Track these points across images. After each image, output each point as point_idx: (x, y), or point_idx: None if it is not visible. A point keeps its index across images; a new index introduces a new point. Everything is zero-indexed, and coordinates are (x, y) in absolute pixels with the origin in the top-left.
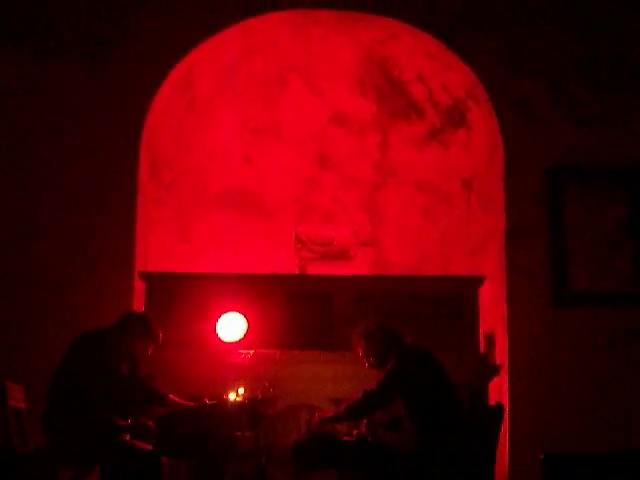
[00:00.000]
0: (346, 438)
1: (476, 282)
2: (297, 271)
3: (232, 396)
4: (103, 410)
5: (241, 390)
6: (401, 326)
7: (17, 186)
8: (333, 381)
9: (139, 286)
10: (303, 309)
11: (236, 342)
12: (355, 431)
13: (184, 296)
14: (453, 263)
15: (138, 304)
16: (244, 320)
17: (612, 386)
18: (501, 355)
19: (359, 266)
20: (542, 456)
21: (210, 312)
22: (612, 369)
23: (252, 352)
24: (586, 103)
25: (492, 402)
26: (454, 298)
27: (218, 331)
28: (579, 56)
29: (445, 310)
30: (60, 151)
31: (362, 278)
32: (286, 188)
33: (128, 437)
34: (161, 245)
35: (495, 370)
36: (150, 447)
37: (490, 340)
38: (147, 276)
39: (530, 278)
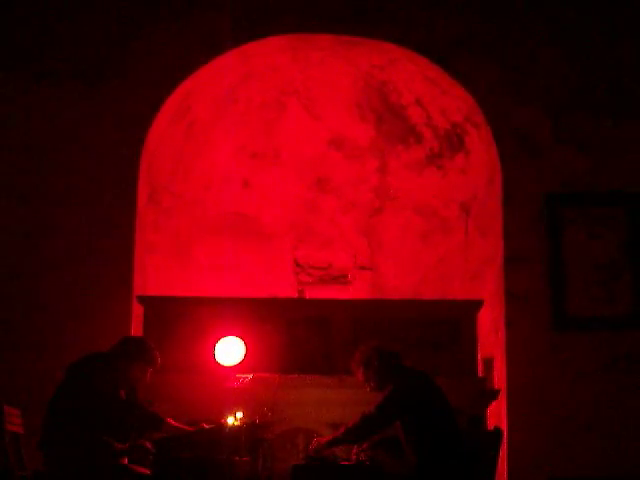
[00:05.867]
0: (344, 462)
1: (474, 306)
2: (295, 295)
3: (230, 420)
4: (101, 435)
5: (239, 414)
6: (399, 349)
7: (15, 209)
8: (331, 405)
9: (137, 310)
10: (301, 333)
11: (234, 366)
12: (354, 455)
13: (182, 320)
14: (451, 287)
15: (136, 328)
16: (242, 344)
17: (611, 411)
18: (499, 379)
19: (357, 290)
20: None
21: (208, 336)
22: (611, 394)
23: (250, 376)
24: (584, 129)
25: (491, 427)
26: (452, 322)
27: (216, 355)
28: (577, 82)
29: (443, 334)
30: (59, 175)
31: (360, 302)
32: (284, 212)
33: (126, 461)
34: (159, 269)
35: (493, 394)
36: (148, 472)
37: (488, 364)
38: (145, 300)
39: (528, 302)
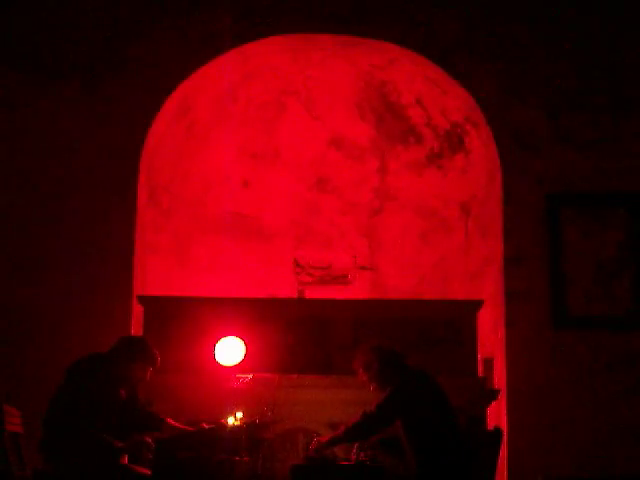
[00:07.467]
0: (344, 462)
1: (474, 306)
2: (295, 295)
3: (230, 420)
4: (101, 435)
5: (239, 414)
6: (400, 348)
7: (15, 211)
8: (331, 405)
9: (137, 310)
10: (301, 333)
11: (234, 366)
12: (354, 455)
13: (182, 320)
14: (451, 287)
15: (136, 328)
16: (242, 344)
17: (611, 410)
18: (499, 379)
19: (358, 290)
20: None
21: (208, 336)
22: (611, 393)
23: (250, 376)
24: (584, 129)
25: (490, 426)
26: (452, 322)
27: (216, 355)
28: (577, 82)
29: (443, 334)
30: (59, 176)
31: (360, 302)
32: (285, 212)
33: (126, 460)
34: (159, 269)
35: (493, 394)
36: (148, 472)
37: (488, 364)
38: (145, 300)
39: (528, 302)
